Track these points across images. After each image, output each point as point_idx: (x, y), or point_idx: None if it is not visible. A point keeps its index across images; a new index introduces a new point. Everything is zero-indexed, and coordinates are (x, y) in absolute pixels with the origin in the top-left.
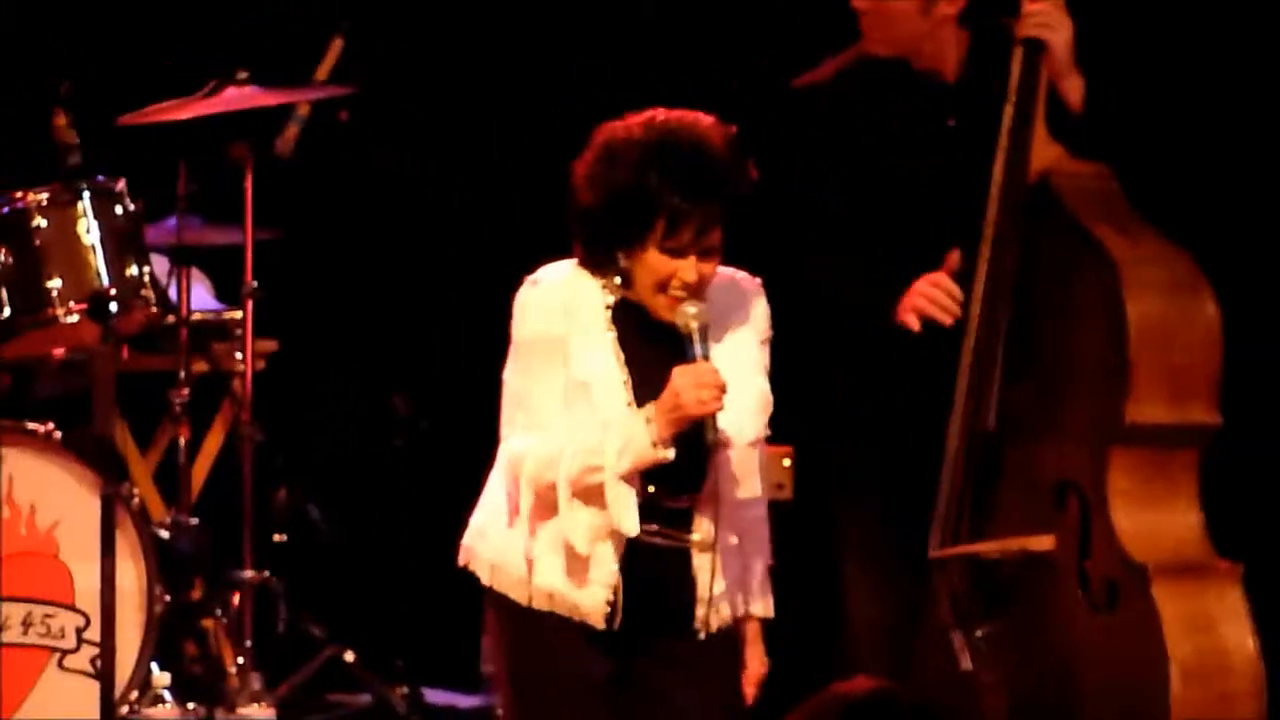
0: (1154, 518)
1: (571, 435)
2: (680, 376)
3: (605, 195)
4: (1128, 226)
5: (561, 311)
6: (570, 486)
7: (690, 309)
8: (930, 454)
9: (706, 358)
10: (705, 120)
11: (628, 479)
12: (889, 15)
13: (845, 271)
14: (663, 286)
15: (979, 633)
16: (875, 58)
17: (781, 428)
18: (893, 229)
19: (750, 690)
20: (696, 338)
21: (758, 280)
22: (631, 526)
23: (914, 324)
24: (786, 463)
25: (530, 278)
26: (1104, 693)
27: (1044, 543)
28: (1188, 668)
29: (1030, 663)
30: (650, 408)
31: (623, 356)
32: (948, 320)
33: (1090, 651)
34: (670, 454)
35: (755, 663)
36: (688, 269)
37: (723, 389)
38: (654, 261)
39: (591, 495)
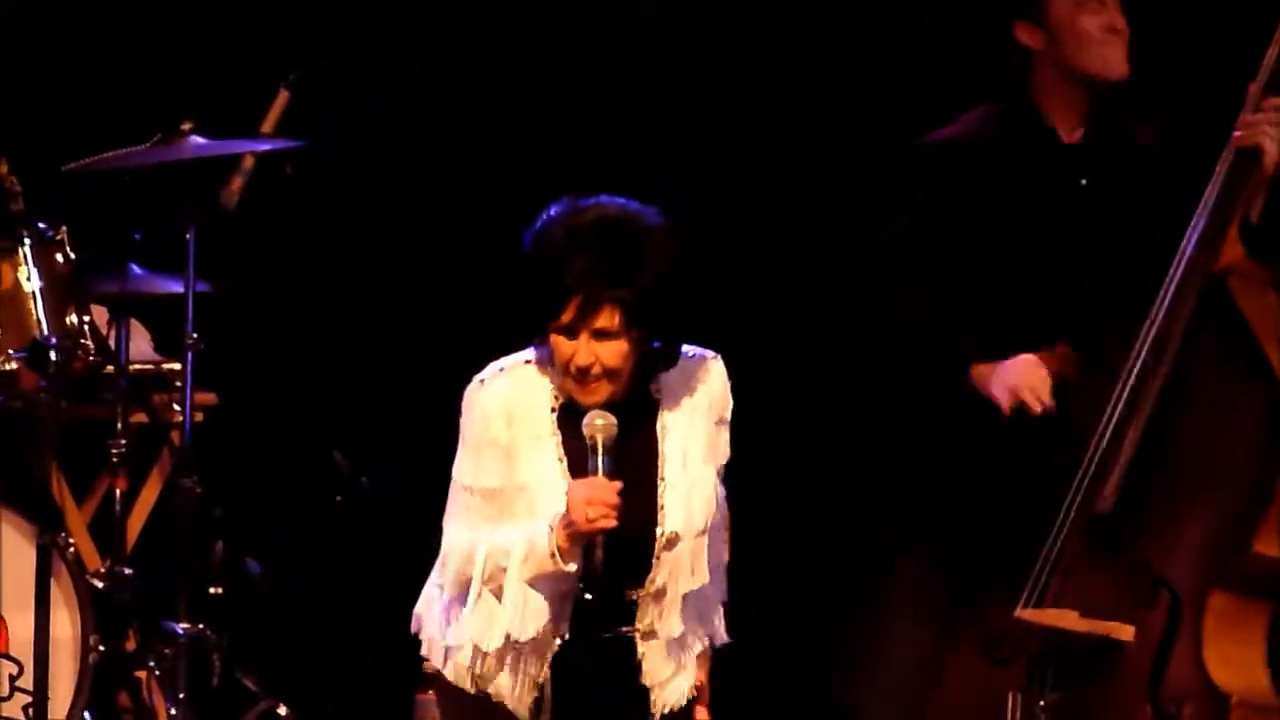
0: (1240, 649)
1: (494, 534)
2: (574, 490)
3: (519, 271)
4: None
5: (506, 414)
6: (483, 584)
7: (598, 420)
8: (1000, 505)
9: (608, 473)
10: (636, 210)
11: (555, 580)
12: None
13: (941, 316)
14: (566, 370)
15: (1042, 701)
16: (1009, 113)
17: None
18: (1016, 287)
19: None
20: (600, 450)
21: (715, 357)
22: (522, 632)
23: (1004, 404)
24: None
25: (479, 376)
26: None
27: (1125, 632)
28: None
29: None
30: (556, 516)
31: (566, 461)
32: (1037, 410)
33: None
34: (571, 567)
35: None
36: (580, 351)
37: (615, 506)
38: (554, 343)
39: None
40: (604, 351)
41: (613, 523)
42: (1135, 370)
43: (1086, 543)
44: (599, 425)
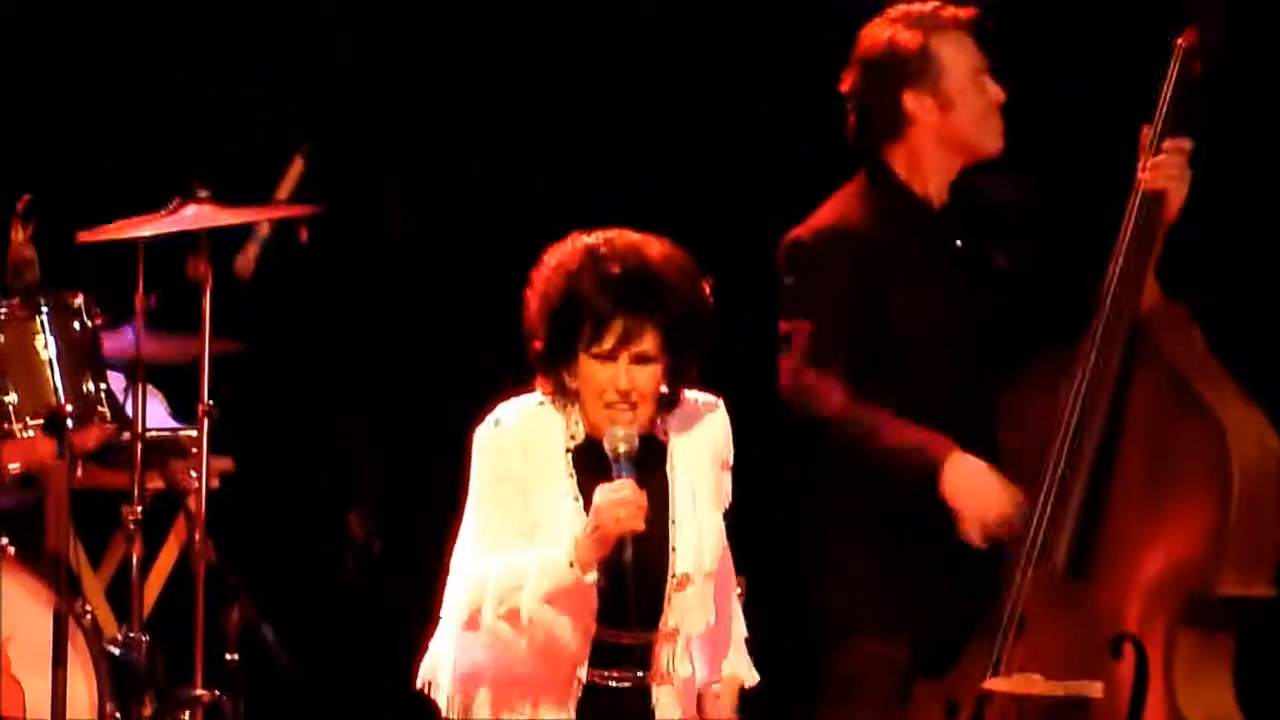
0: (1208, 690)
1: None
2: (600, 495)
3: (542, 305)
4: (1218, 380)
5: (521, 453)
6: (497, 607)
7: (619, 431)
8: (951, 575)
9: (631, 479)
10: (653, 240)
11: (566, 605)
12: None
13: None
14: (601, 397)
15: None
16: (879, 192)
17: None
18: (930, 359)
19: None
20: (623, 460)
21: (717, 401)
22: (545, 641)
23: (976, 541)
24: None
25: (491, 416)
26: None
27: (1093, 689)
28: None
29: None
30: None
31: (582, 500)
32: (1008, 537)
33: None
34: (590, 577)
35: None
36: (619, 374)
37: (642, 508)
38: (587, 370)
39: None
40: (640, 377)
41: (640, 524)
42: (1071, 425)
43: (1042, 604)
44: (620, 435)
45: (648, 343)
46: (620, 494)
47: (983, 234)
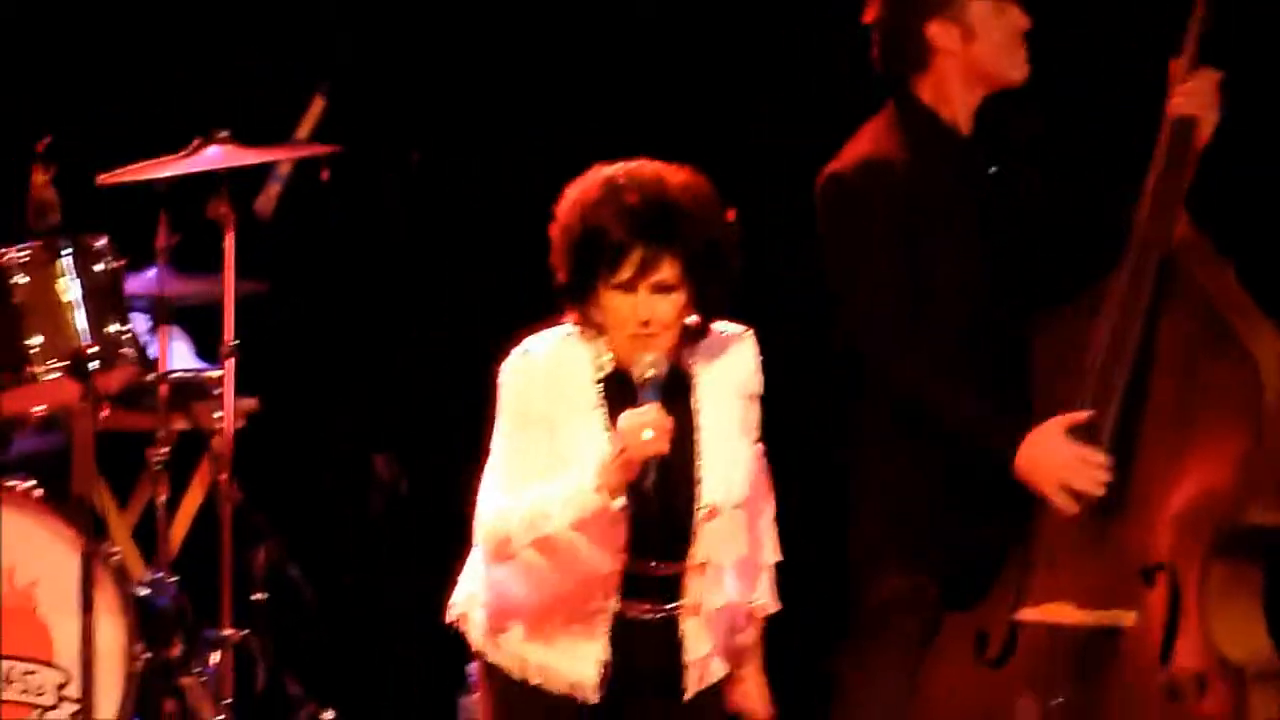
0: (1241, 619)
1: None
2: (624, 420)
3: (563, 237)
4: (1250, 312)
5: (548, 384)
6: (525, 535)
7: (647, 357)
8: (979, 506)
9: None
10: (672, 169)
11: (594, 533)
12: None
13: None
14: (624, 328)
15: (1053, 701)
16: (909, 122)
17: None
18: (977, 292)
19: None
20: (650, 385)
21: (746, 331)
22: (582, 571)
23: (1068, 507)
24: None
25: (519, 347)
26: None
27: (1126, 618)
28: None
29: None
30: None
31: (610, 431)
32: (1100, 494)
33: None
34: (616, 503)
35: (762, 710)
36: (639, 305)
37: (667, 430)
38: (608, 301)
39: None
40: (660, 306)
41: (665, 447)
42: (1102, 359)
43: (1073, 533)
44: (648, 360)
45: (666, 272)
46: (645, 417)
47: (1012, 163)
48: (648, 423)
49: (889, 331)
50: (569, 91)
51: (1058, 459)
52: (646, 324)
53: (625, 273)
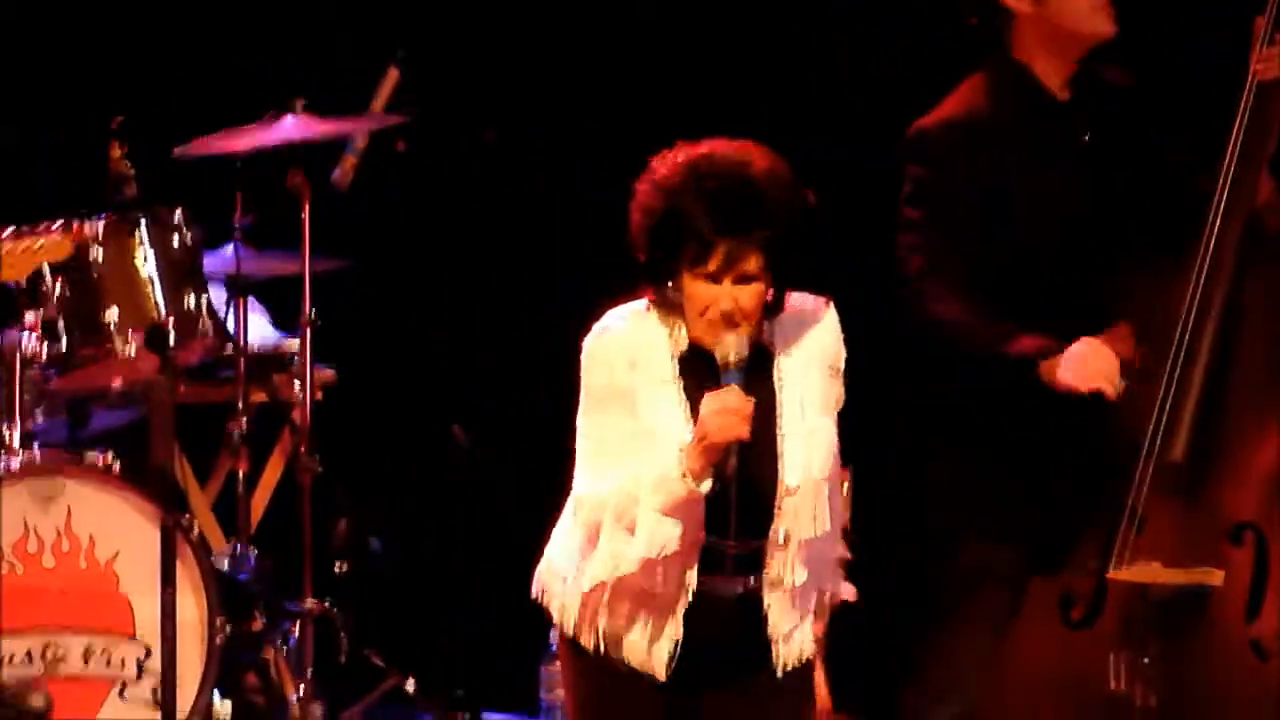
0: None
1: (622, 472)
2: (706, 404)
3: (644, 221)
4: None
5: (628, 361)
6: (616, 522)
7: (729, 338)
8: (1059, 470)
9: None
10: (753, 151)
11: (680, 515)
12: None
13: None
14: (704, 314)
15: (1145, 658)
16: (1002, 82)
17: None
18: (1047, 257)
19: None
20: (732, 368)
21: (827, 303)
22: (660, 550)
23: (1080, 387)
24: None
25: (598, 325)
26: None
27: (1215, 577)
28: None
29: (1182, 694)
30: (684, 443)
31: (689, 405)
32: (1113, 397)
33: (1247, 693)
34: (703, 488)
35: (822, 701)
36: (722, 296)
37: (748, 416)
38: (691, 289)
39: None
40: (743, 295)
41: (745, 432)
42: (1190, 320)
43: (1162, 495)
44: (731, 343)
45: (751, 263)
46: (726, 402)
47: (1113, 129)
48: (728, 408)
49: (921, 274)
50: (648, 66)
51: (1085, 356)
52: (729, 315)
53: (711, 265)
